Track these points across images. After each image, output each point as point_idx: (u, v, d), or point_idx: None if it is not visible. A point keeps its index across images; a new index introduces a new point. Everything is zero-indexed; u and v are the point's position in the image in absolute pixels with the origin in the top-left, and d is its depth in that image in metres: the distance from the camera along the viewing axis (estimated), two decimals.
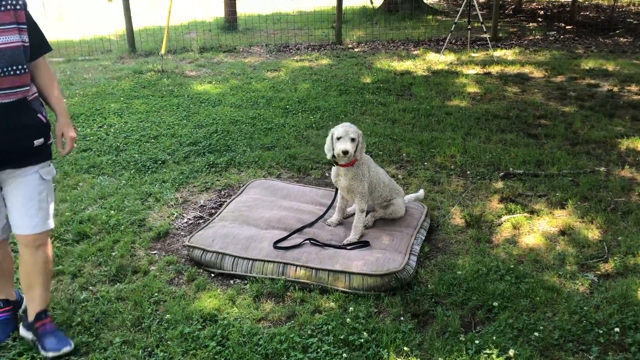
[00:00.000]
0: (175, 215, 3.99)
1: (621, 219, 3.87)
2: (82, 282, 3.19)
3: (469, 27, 9.74)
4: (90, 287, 3.15)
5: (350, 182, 3.51)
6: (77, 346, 2.66)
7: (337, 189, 3.77)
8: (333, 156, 3.44)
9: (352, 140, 3.37)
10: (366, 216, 3.77)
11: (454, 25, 9.42)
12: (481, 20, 9.47)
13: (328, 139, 3.45)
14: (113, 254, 3.47)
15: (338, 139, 3.37)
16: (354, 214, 3.69)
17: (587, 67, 8.56)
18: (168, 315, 2.87)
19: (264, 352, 2.62)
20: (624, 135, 5.52)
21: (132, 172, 4.71)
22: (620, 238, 3.61)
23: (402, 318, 2.88)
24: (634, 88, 7.36)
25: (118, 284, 3.19)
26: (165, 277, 3.25)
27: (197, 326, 2.80)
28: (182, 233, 3.77)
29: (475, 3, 9.58)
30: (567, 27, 12.67)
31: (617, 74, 8.10)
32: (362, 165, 3.52)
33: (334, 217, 3.78)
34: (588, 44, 10.72)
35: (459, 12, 9.80)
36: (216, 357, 2.59)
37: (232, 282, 3.23)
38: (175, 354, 2.61)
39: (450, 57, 9.37)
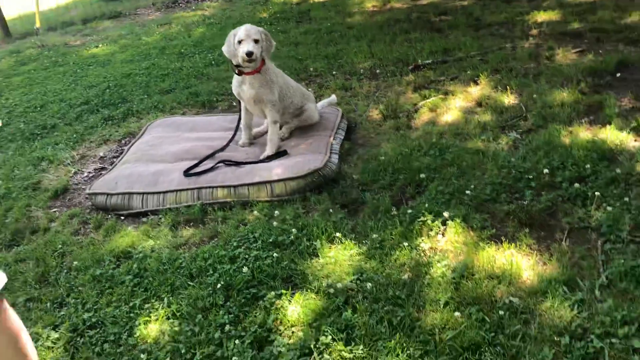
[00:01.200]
0: (73, 172, 3.62)
1: (533, 81, 3.82)
2: None
3: None
4: None
5: (258, 91, 3.17)
6: None
7: (239, 104, 3.44)
8: (237, 65, 3.11)
9: (256, 41, 3.04)
10: (280, 129, 3.52)
11: None
12: None
13: (227, 43, 3.09)
14: (7, 220, 3.09)
15: (239, 42, 3.03)
16: (264, 133, 3.45)
17: None
18: (76, 263, 2.57)
19: (187, 272, 2.38)
20: (523, 13, 5.50)
21: (19, 142, 4.25)
22: (535, 96, 3.55)
23: (331, 210, 2.69)
24: None
25: (15, 247, 2.84)
26: (69, 230, 2.92)
27: (111, 266, 2.52)
28: (82, 187, 3.41)
29: None
30: None
31: None
32: (269, 71, 3.22)
33: (242, 136, 3.46)
34: None
35: None
36: (135, 289, 2.33)
37: (144, 219, 2.94)
38: (89, 297, 2.33)
39: None
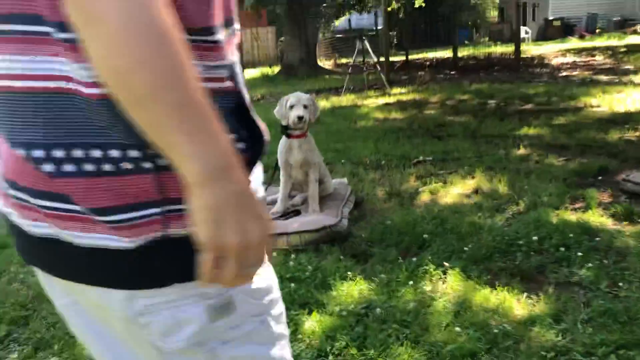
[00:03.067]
0: None
1: (524, 177, 4.26)
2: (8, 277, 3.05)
3: (365, 69, 10.46)
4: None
5: (305, 154, 3.57)
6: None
7: (275, 170, 3.78)
8: (286, 127, 3.53)
9: (305, 107, 3.49)
10: (295, 197, 3.89)
11: (350, 68, 10.09)
12: (375, 59, 10.21)
13: (280, 106, 3.53)
14: None
15: (291, 107, 3.48)
16: (294, 205, 3.77)
17: (474, 91, 9.41)
18: None
19: None
20: (515, 129, 6.11)
21: None
22: (526, 187, 3.97)
23: (342, 257, 2.99)
24: (517, 101, 8.15)
25: None
26: None
27: None
28: None
29: (368, 46, 10.36)
30: (451, 72, 13.86)
31: (501, 95, 8.95)
32: (312, 137, 3.66)
33: (278, 206, 3.68)
34: (472, 78, 11.79)
35: (355, 53, 10.53)
36: None
37: None
38: None
39: (352, 97, 9.96)
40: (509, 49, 16.40)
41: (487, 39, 24.65)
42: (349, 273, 2.75)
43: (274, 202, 3.87)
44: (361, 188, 4.35)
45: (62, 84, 0.70)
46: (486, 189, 4.04)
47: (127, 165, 0.73)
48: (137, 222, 0.74)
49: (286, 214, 3.58)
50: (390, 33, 16.95)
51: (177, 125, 0.65)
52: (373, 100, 9.31)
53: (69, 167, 0.73)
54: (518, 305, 2.40)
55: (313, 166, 3.65)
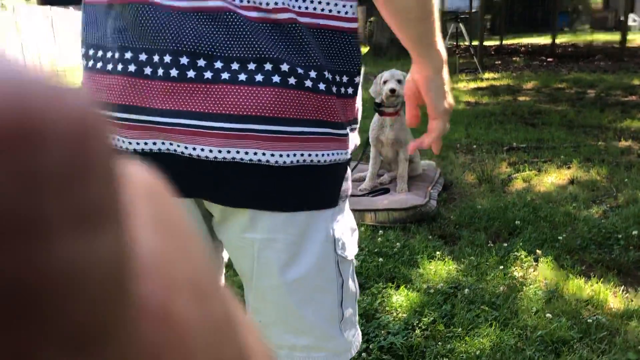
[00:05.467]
0: None
1: (625, 170, 4.07)
2: None
3: (457, 52, 10.22)
4: None
5: (397, 133, 3.59)
6: None
7: (366, 148, 3.84)
8: (379, 105, 3.57)
9: (399, 81, 3.51)
10: (383, 175, 3.92)
11: None
12: (468, 42, 9.95)
13: (374, 84, 3.57)
14: None
15: (385, 82, 3.51)
16: (382, 183, 3.81)
17: (573, 79, 8.99)
18: None
19: None
20: (616, 120, 5.81)
21: None
22: (626, 180, 3.79)
23: (430, 237, 3.00)
24: (619, 92, 7.72)
25: None
26: None
27: None
28: None
29: (462, 29, 10.11)
30: (548, 59, 13.27)
31: (602, 85, 8.50)
32: (404, 116, 3.67)
33: (367, 183, 3.72)
34: (570, 67, 11.24)
35: (447, 36, 10.32)
36: None
37: None
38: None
39: None
40: (612, 37, 15.47)
41: (588, 26, 23.33)
42: (437, 253, 2.76)
43: (362, 180, 3.91)
44: (450, 171, 4.31)
45: (331, 22, 0.87)
46: (583, 180, 3.89)
47: (351, 90, 0.92)
48: (349, 135, 0.95)
49: (374, 192, 3.62)
50: (485, 17, 16.40)
51: (436, 32, 0.99)
52: (464, 84, 9.11)
53: (333, 88, 0.89)
54: (614, 298, 2.33)
55: (404, 145, 3.65)
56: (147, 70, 0.82)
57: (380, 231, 3.08)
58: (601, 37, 16.25)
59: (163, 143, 0.85)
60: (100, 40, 0.88)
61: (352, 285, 1.00)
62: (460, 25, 9.98)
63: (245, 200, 0.88)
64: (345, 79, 0.89)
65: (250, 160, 0.83)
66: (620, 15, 13.98)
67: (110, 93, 0.85)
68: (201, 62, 0.81)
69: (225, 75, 0.81)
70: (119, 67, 0.84)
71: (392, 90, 3.43)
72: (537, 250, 2.75)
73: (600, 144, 4.88)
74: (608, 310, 2.24)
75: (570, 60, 12.70)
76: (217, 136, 0.82)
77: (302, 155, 0.85)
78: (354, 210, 3.26)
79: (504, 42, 17.10)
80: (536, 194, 3.67)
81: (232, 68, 0.81)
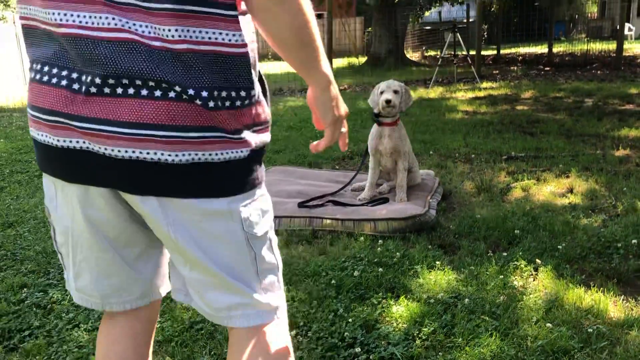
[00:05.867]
0: None
1: (623, 179, 4.08)
2: None
3: (455, 61, 10.26)
4: None
5: (395, 142, 3.61)
6: None
7: (365, 157, 3.84)
8: (377, 115, 3.57)
9: (395, 92, 3.53)
10: (382, 185, 3.93)
11: (440, 60, 9.93)
12: (466, 52, 9.99)
13: (372, 94, 3.60)
14: None
15: (381, 92, 3.53)
16: (381, 193, 3.82)
17: (570, 88, 9.03)
18: None
19: (302, 272, 2.72)
20: (614, 128, 5.83)
21: None
22: (625, 189, 3.80)
23: (429, 247, 3.00)
24: (617, 101, 7.75)
25: None
26: None
27: None
28: None
29: (459, 38, 10.15)
30: (545, 68, 13.33)
31: (599, 93, 8.53)
32: (403, 126, 3.69)
33: (366, 192, 3.74)
34: (567, 76, 11.29)
35: (445, 45, 10.36)
36: None
37: None
38: None
39: (440, 90, 9.82)
40: (608, 46, 15.55)
41: (584, 35, 23.45)
42: (437, 262, 2.76)
43: (361, 189, 3.92)
44: (449, 180, 4.32)
45: (222, 49, 1.05)
46: (581, 189, 3.90)
47: (247, 101, 1.10)
48: (246, 137, 1.12)
49: (373, 201, 3.62)
50: (482, 26, 16.48)
51: (319, 57, 1.13)
52: (462, 94, 9.15)
53: (221, 104, 1.06)
54: (614, 307, 2.33)
55: (402, 155, 3.66)
56: (75, 86, 1.04)
57: (379, 241, 3.08)
58: (597, 46, 16.32)
59: (84, 142, 1.06)
60: (41, 57, 1.09)
61: (270, 256, 1.22)
62: (457, 34, 10.03)
63: (151, 189, 1.08)
64: (235, 93, 1.07)
65: (152, 159, 1.04)
66: (616, 24, 14.06)
67: (44, 100, 1.08)
68: (111, 81, 1.01)
69: (130, 91, 1.01)
70: (54, 80, 1.06)
71: (388, 101, 3.45)
72: (537, 260, 2.75)
73: (599, 152, 4.90)
74: (608, 319, 2.23)
75: (567, 69, 12.77)
76: (123, 139, 1.03)
77: (196, 154, 1.05)
78: (353, 220, 3.28)
79: (501, 51, 17.18)
80: (535, 203, 3.68)
81: (136, 84, 1.01)
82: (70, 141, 1.07)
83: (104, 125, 1.03)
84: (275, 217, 3.40)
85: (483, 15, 14.10)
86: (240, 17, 1.06)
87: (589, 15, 29.14)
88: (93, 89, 1.02)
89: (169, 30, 1.00)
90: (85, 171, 1.09)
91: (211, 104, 1.04)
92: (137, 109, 1.01)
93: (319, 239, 3.22)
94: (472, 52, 12.30)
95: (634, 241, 2.89)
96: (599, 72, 11.81)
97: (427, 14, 22.18)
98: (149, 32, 1.00)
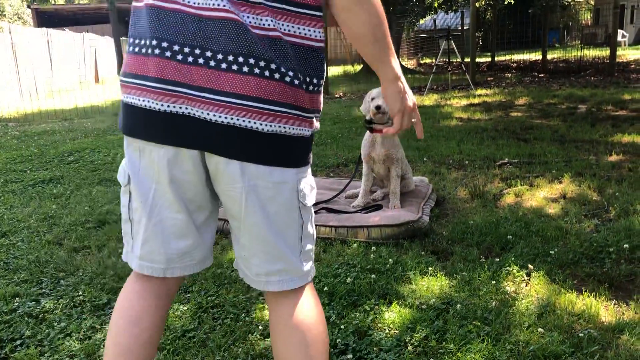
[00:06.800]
0: None
1: (616, 184, 4.09)
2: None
3: (449, 69, 10.31)
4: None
5: (388, 149, 3.62)
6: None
7: (359, 165, 3.85)
8: (369, 122, 3.58)
9: None
10: (376, 192, 3.94)
11: (434, 67, 9.98)
12: (460, 59, 10.04)
13: (364, 102, 3.60)
14: None
15: (372, 99, 3.53)
16: (375, 200, 3.83)
17: (564, 95, 9.07)
18: None
19: None
20: (607, 135, 5.86)
21: None
22: (617, 194, 3.82)
23: (422, 253, 3.01)
24: (610, 107, 7.80)
25: None
26: None
27: (230, 269, 2.90)
28: None
29: (454, 46, 10.20)
30: (539, 75, 13.39)
31: (592, 100, 8.58)
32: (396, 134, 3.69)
33: (360, 199, 3.75)
34: (562, 82, 11.35)
35: (439, 52, 10.40)
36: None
37: None
38: (210, 287, 2.70)
39: (435, 97, 9.86)
40: (602, 52, 15.64)
41: (578, 42, 23.59)
42: (429, 269, 2.76)
43: (355, 196, 3.93)
44: (442, 187, 4.33)
45: (306, 42, 1.27)
46: (574, 195, 3.92)
47: (316, 88, 1.32)
48: (313, 118, 1.35)
49: (367, 208, 3.63)
50: (476, 34, 16.57)
51: (390, 52, 1.36)
52: (457, 101, 9.19)
53: (301, 85, 1.27)
54: (606, 312, 2.33)
55: (395, 162, 3.67)
56: (179, 57, 1.21)
57: (372, 247, 3.09)
58: (591, 53, 16.42)
59: (186, 108, 1.22)
60: (146, 33, 1.26)
61: (311, 228, 1.41)
62: (452, 42, 10.08)
63: (240, 153, 1.25)
64: (310, 80, 1.28)
65: (246, 126, 1.22)
66: (610, 31, 14.14)
67: (151, 69, 1.23)
68: (219, 56, 1.21)
69: (234, 67, 1.20)
70: (156, 51, 1.23)
71: (378, 107, 3.46)
72: (529, 265, 2.75)
73: (592, 158, 4.92)
74: (600, 324, 2.24)
75: (561, 75, 12.84)
76: (224, 107, 1.21)
77: (279, 126, 1.25)
78: (346, 227, 3.28)
79: (496, 58, 17.26)
80: (528, 208, 3.69)
81: (239, 61, 1.20)
82: (174, 106, 1.23)
83: (208, 93, 1.21)
84: None
85: (477, 23, 14.17)
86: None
87: (583, 22, 29.34)
88: (201, 60, 1.20)
89: (266, 20, 1.21)
90: (184, 134, 1.24)
91: (296, 82, 1.25)
92: (238, 83, 1.20)
93: None
94: (467, 60, 12.36)
95: (625, 246, 2.90)
96: (592, 78, 11.88)
97: (422, 21, 22.29)
98: (251, 22, 1.20)
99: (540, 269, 2.70)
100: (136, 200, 1.37)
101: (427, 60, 20.36)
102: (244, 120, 1.21)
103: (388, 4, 15.34)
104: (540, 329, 2.17)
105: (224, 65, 1.19)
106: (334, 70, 17.61)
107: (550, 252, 2.89)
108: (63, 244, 3.44)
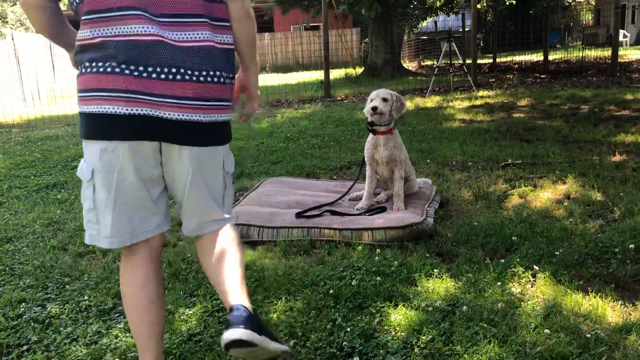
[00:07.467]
0: None
1: (620, 184, 4.09)
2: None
3: (451, 70, 10.31)
4: None
5: (391, 151, 3.61)
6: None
7: (362, 167, 3.83)
8: (371, 124, 3.57)
9: (385, 100, 3.51)
10: (380, 194, 3.94)
11: (436, 69, 9.98)
12: (462, 61, 10.04)
13: (366, 104, 3.62)
14: None
15: (371, 101, 3.53)
16: (379, 202, 3.82)
17: (566, 95, 9.06)
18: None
19: (301, 283, 2.72)
20: (610, 135, 5.85)
21: None
22: (621, 194, 3.81)
23: (427, 255, 3.01)
24: (613, 107, 7.79)
25: None
26: (194, 247, 3.35)
27: None
28: None
29: (455, 48, 10.20)
30: (541, 76, 13.38)
31: (595, 100, 8.57)
32: (399, 135, 3.69)
33: (364, 202, 3.74)
34: (563, 83, 11.34)
35: (441, 54, 10.41)
36: (256, 289, 2.69)
37: (259, 247, 3.34)
38: (215, 291, 2.70)
39: (437, 99, 9.85)
40: (603, 53, 15.62)
41: (579, 42, 23.59)
42: (434, 270, 2.76)
43: (359, 198, 3.92)
44: (446, 188, 4.32)
45: (228, 46, 1.84)
46: (578, 195, 3.91)
47: (232, 80, 1.87)
48: (232, 105, 1.89)
49: (371, 210, 3.63)
50: (478, 35, 16.57)
51: (256, 53, 1.97)
52: (459, 102, 9.18)
53: (226, 81, 1.82)
54: (612, 312, 2.33)
55: (399, 163, 3.67)
56: (135, 73, 1.67)
57: (377, 250, 3.08)
58: (593, 53, 16.41)
59: (147, 110, 1.67)
60: (102, 57, 1.71)
61: (230, 189, 1.95)
62: (453, 43, 10.08)
63: (188, 140, 1.74)
64: (227, 74, 1.81)
65: (192, 119, 1.72)
66: (611, 31, 14.14)
67: (117, 83, 1.66)
68: (173, 70, 1.70)
69: (178, 77, 1.70)
70: (117, 70, 1.67)
71: (374, 108, 3.47)
72: (535, 266, 2.75)
73: (595, 158, 4.91)
74: (607, 324, 2.23)
75: (563, 76, 12.83)
76: (175, 107, 1.69)
77: (214, 117, 1.78)
78: (351, 230, 3.28)
79: (497, 59, 17.25)
80: (532, 209, 3.68)
81: (181, 72, 1.71)
82: (136, 110, 1.65)
83: (163, 98, 1.66)
84: (274, 227, 3.42)
85: (479, 24, 14.17)
86: None
87: (584, 22, 29.32)
88: (154, 75, 1.66)
89: (196, 34, 1.74)
90: (145, 130, 1.67)
91: (225, 80, 1.80)
92: (184, 88, 1.70)
93: (317, 249, 3.23)
94: (469, 61, 12.35)
95: (631, 246, 2.89)
96: (594, 78, 11.87)
97: (423, 24, 22.31)
98: (187, 37, 1.73)
99: (546, 270, 2.70)
100: (101, 191, 1.74)
101: (429, 62, 20.37)
102: (191, 116, 1.70)
103: (389, 7, 15.35)
104: (546, 330, 2.16)
105: (170, 77, 1.69)
106: (335, 73, 17.59)
107: (556, 252, 2.88)
108: (68, 249, 3.45)
